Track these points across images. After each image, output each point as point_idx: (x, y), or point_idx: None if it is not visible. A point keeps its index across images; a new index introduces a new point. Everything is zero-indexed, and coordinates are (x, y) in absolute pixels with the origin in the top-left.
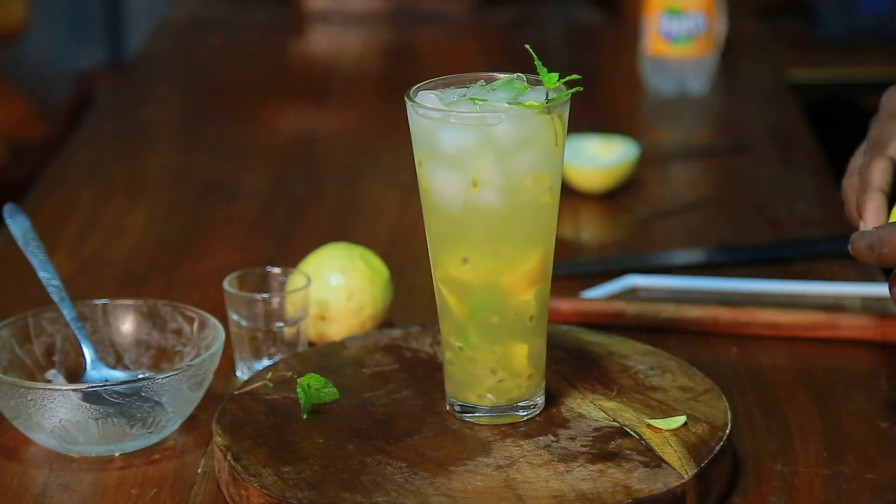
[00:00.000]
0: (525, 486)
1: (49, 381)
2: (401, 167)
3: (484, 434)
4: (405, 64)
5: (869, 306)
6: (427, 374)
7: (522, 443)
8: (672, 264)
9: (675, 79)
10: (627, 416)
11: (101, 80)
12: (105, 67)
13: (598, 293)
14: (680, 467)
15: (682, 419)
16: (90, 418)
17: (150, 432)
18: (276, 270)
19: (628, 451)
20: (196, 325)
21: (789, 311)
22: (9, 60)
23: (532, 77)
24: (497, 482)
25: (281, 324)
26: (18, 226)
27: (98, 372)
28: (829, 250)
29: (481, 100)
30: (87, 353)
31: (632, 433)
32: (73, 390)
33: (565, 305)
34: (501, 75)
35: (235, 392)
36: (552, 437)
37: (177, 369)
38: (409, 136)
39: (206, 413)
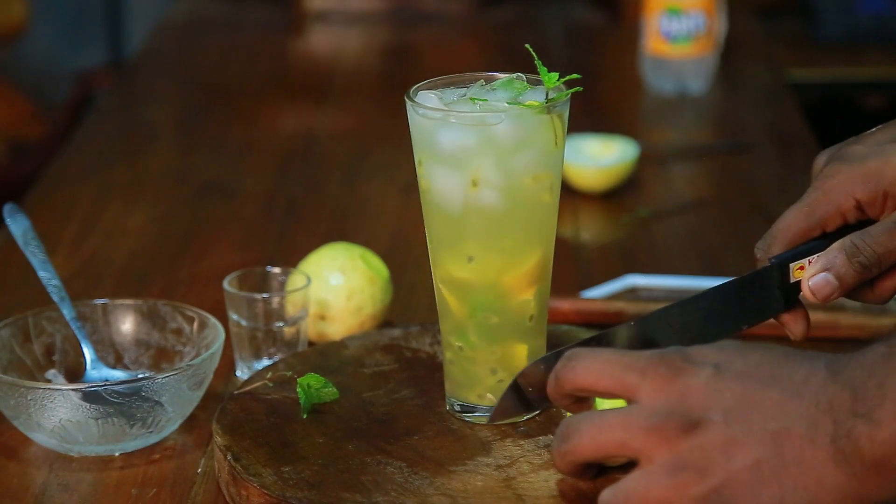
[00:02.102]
0: (525, 486)
1: (49, 381)
2: (401, 167)
3: (484, 434)
4: (405, 64)
5: (869, 306)
6: (427, 373)
7: (522, 443)
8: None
9: (675, 79)
10: None
11: (101, 80)
12: (105, 67)
13: (598, 293)
14: None
15: None
16: (90, 418)
17: (150, 432)
18: (276, 270)
19: None
20: (196, 324)
21: None
22: (9, 60)
23: (532, 77)
24: (497, 482)
25: (281, 324)
26: (18, 226)
27: (98, 372)
28: None
29: (481, 100)
30: (87, 352)
31: None
32: (73, 390)
33: (565, 305)
34: (501, 75)
35: (235, 392)
36: (552, 437)
37: (177, 369)
38: (409, 136)
39: (206, 413)
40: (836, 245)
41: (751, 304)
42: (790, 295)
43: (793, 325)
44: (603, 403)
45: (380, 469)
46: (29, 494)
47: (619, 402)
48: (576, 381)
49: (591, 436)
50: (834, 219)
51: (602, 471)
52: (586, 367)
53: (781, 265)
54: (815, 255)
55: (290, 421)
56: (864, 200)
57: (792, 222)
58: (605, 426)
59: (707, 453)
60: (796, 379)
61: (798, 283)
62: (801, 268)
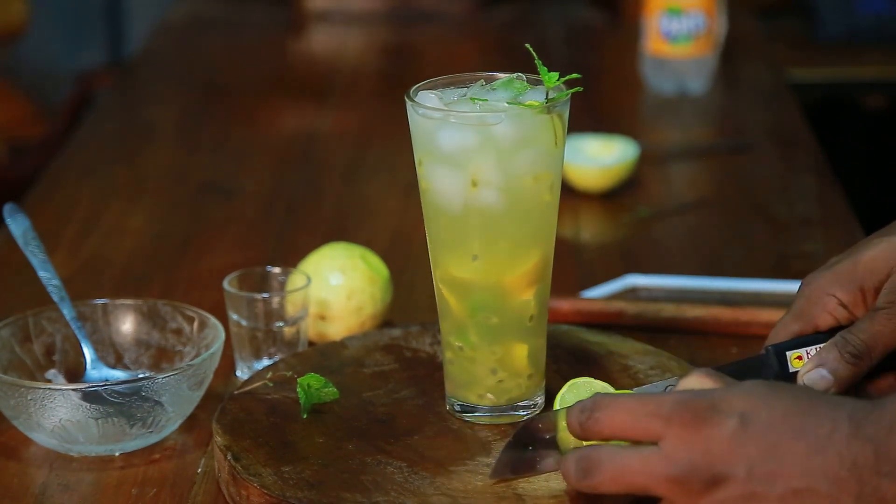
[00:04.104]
0: (525, 486)
1: (49, 381)
2: (401, 167)
3: (484, 434)
4: (405, 64)
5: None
6: (427, 373)
7: None
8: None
9: (675, 78)
10: None
11: (101, 80)
12: (105, 67)
13: (598, 293)
14: None
15: None
16: (90, 418)
17: (150, 432)
18: (276, 270)
19: None
20: (196, 324)
21: None
22: (9, 60)
23: (532, 77)
24: (497, 482)
25: (281, 323)
26: (18, 225)
27: (98, 372)
28: None
29: (481, 100)
30: (87, 352)
31: None
32: (73, 390)
33: (565, 305)
34: (501, 75)
35: (235, 392)
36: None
37: (177, 369)
38: (409, 136)
39: (206, 413)
40: (829, 342)
41: None
42: None
43: None
44: None
45: (380, 469)
46: (29, 494)
47: None
48: (602, 433)
49: (612, 476)
50: (823, 319)
51: None
52: (611, 419)
53: (778, 353)
54: (814, 347)
55: (290, 421)
56: (844, 300)
57: (782, 329)
58: (627, 469)
59: None
60: (821, 433)
61: (796, 373)
62: (799, 357)
